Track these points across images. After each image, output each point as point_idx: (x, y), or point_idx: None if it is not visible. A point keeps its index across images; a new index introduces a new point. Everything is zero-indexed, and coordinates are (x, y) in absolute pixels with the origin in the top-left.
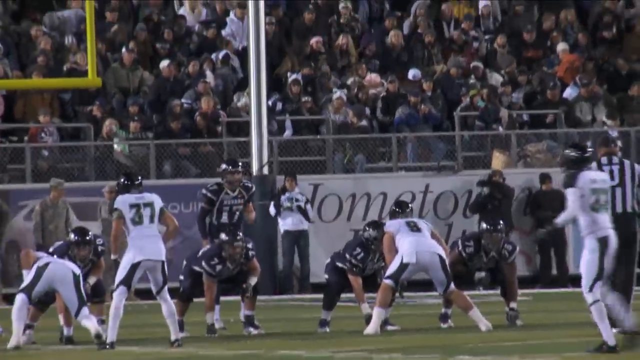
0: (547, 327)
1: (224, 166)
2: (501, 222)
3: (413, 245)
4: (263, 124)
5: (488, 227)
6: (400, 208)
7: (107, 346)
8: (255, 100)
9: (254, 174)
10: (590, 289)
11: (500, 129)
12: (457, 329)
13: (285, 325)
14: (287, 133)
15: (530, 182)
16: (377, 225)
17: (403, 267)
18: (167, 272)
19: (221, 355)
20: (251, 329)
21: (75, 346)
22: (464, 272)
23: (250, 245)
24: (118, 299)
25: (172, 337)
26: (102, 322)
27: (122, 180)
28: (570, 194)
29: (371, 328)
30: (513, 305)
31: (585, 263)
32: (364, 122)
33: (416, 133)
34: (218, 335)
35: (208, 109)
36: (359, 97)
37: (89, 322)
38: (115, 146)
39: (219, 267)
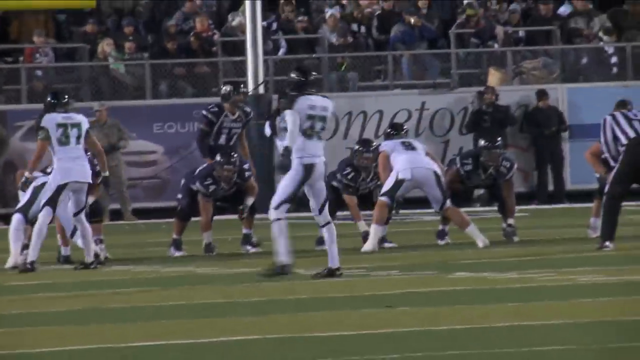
0: (545, 243)
1: (227, 88)
2: (499, 138)
3: (408, 162)
4: (258, 43)
5: (486, 143)
6: (395, 130)
7: (28, 265)
8: (251, 19)
9: (250, 93)
10: (277, 207)
11: (496, 46)
12: (454, 246)
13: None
14: (282, 51)
15: (526, 99)
16: (365, 142)
17: (398, 183)
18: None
19: (219, 274)
20: (249, 248)
21: (72, 265)
22: (462, 189)
23: (246, 166)
24: (42, 220)
25: (87, 260)
26: (100, 241)
27: (48, 98)
28: (289, 116)
29: (369, 245)
30: (510, 221)
31: (284, 182)
32: (350, 39)
33: (412, 51)
34: (215, 254)
35: (202, 29)
36: (355, 15)
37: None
38: (111, 66)
39: (212, 187)
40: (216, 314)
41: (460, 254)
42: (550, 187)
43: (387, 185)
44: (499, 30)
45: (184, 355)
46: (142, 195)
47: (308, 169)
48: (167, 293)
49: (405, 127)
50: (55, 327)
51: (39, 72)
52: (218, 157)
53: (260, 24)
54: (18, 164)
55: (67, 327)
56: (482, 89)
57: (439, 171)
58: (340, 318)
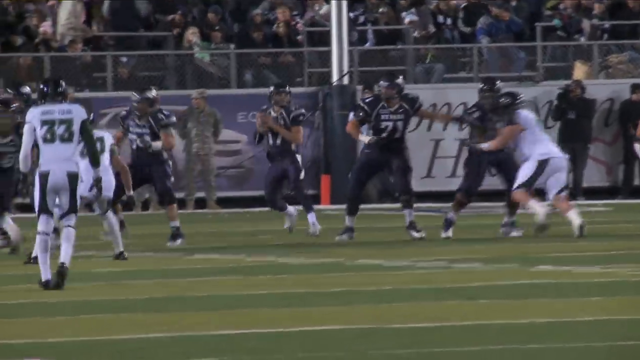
0: (628, 238)
1: (271, 88)
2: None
3: (549, 149)
4: (344, 34)
5: None
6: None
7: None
8: (336, 9)
9: (334, 83)
10: (38, 218)
11: (582, 39)
12: (537, 239)
13: (365, 234)
14: (369, 43)
15: (612, 93)
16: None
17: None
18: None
19: (301, 264)
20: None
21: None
22: None
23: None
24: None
25: (116, 251)
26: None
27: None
28: (24, 130)
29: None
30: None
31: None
32: (432, 30)
33: (497, 44)
34: (299, 245)
35: (284, 18)
36: (440, 8)
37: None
38: (196, 55)
39: None
40: (298, 304)
41: (543, 247)
42: (637, 182)
43: (526, 174)
44: (586, 23)
45: (265, 344)
46: (226, 185)
47: (42, 177)
48: (249, 282)
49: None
50: (137, 314)
51: (125, 60)
52: None
53: (345, 14)
54: None
55: (149, 315)
56: (568, 82)
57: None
58: (421, 310)
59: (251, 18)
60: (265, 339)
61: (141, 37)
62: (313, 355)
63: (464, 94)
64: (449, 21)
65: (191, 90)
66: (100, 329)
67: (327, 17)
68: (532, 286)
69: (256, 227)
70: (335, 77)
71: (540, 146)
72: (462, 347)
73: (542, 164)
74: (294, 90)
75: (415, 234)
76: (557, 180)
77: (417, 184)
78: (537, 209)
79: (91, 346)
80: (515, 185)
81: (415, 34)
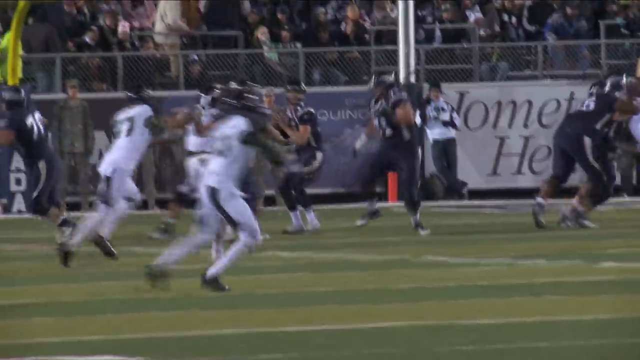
0: None
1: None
2: None
3: None
4: (410, 33)
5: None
6: None
7: None
8: (403, 8)
9: (402, 81)
10: None
11: None
12: (600, 236)
13: (430, 231)
14: (435, 42)
15: None
16: None
17: None
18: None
19: (369, 260)
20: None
21: None
22: None
23: None
24: None
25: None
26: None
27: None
28: None
29: None
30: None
31: None
32: (497, 29)
33: (562, 41)
34: (366, 242)
35: (354, 17)
36: (505, 6)
37: None
38: (266, 54)
39: None
40: (364, 300)
41: (605, 243)
42: None
43: None
44: None
45: (333, 341)
46: None
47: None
48: (318, 279)
49: None
50: (207, 311)
51: (195, 58)
52: None
53: (412, 13)
54: (173, 149)
55: (219, 311)
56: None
57: None
58: (487, 306)
59: (315, 17)
60: (333, 335)
61: (211, 36)
62: (380, 351)
63: (529, 92)
64: (513, 19)
65: (261, 89)
66: (170, 325)
67: (393, 16)
68: (596, 283)
69: (324, 224)
70: (402, 75)
71: None
72: (529, 344)
73: None
74: (361, 88)
75: (422, 232)
76: None
77: (483, 182)
78: None
79: (162, 342)
80: None
81: (481, 32)
